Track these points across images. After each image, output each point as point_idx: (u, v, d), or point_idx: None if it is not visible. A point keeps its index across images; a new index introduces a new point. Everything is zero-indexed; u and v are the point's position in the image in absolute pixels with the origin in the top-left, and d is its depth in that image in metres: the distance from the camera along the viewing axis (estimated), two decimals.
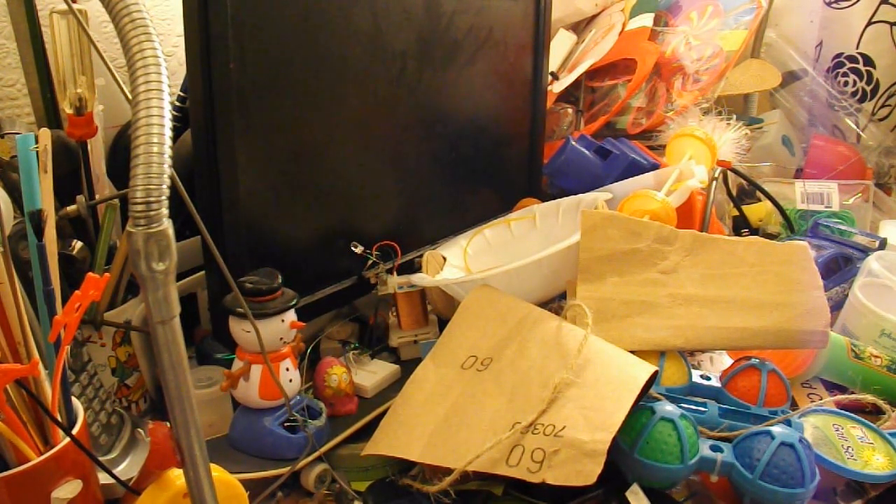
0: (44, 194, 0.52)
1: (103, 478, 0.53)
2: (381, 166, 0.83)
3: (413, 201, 0.88)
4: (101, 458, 0.52)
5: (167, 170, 0.35)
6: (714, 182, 0.94)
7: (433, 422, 0.61)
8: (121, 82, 0.56)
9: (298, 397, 0.66)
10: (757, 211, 1.11)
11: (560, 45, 1.26)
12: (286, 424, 0.64)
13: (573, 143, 1.00)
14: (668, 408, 0.58)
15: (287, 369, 0.65)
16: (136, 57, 0.35)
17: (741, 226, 1.08)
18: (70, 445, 0.48)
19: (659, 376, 0.67)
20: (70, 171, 0.70)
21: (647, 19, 1.22)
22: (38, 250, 0.50)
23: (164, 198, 0.35)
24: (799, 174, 1.25)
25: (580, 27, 1.33)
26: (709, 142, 0.95)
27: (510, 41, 0.97)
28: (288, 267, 0.66)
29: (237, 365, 0.64)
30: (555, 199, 0.92)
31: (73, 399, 0.52)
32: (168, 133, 0.35)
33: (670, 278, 0.71)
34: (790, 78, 1.33)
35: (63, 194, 0.64)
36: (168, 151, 0.35)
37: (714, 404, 0.66)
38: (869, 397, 0.72)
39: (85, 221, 0.69)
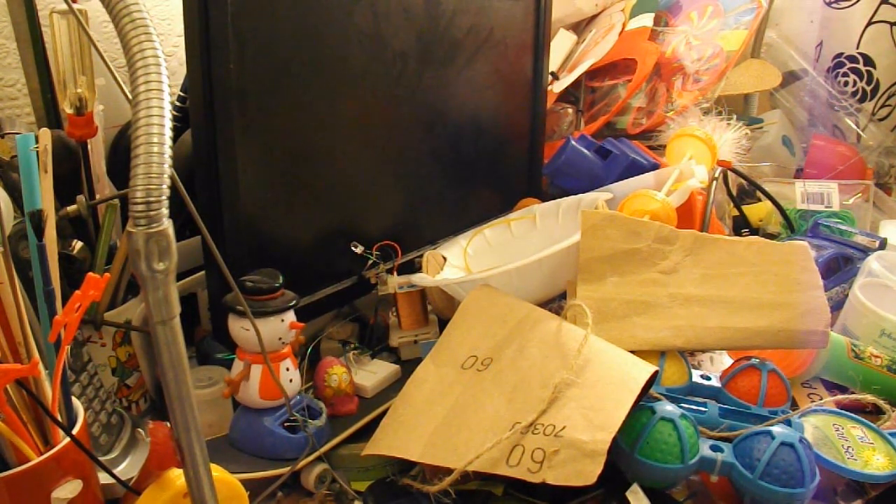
0: (44, 194, 0.52)
1: (103, 478, 0.53)
2: (382, 166, 0.83)
3: (413, 201, 0.88)
4: (101, 458, 0.52)
5: (167, 170, 0.34)
6: (714, 182, 0.94)
7: (433, 422, 0.61)
8: (121, 82, 0.56)
9: (298, 397, 0.66)
10: (757, 211, 1.11)
11: (560, 45, 1.26)
12: (286, 424, 0.64)
13: (573, 143, 1.00)
14: (668, 408, 0.58)
15: (287, 369, 0.65)
16: (136, 57, 0.35)
17: (741, 226, 1.08)
18: (70, 445, 0.48)
19: (659, 376, 0.67)
20: (70, 171, 0.70)
21: (647, 19, 1.22)
22: (38, 250, 0.50)
23: (164, 198, 0.35)
24: (799, 174, 1.25)
25: (580, 27, 1.33)
26: (709, 142, 0.95)
27: (510, 41, 0.97)
28: (288, 267, 0.66)
29: (237, 366, 0.64)
30: (555, 199, 0.92)
31: (73, 399, 0.52)
32: (168, 133, 0.35)
33: (670, 278, 0.71)
34: (790, 78, 1.33)
35: (63, 194, 0.64)
36: (168, 151, 0.35)
37: (714, 404, 0.66)
38: (869, 397, 0.72)
39: (85, 221, 0.69)
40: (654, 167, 0.98)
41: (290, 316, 0.64)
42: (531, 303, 0.69)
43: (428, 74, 0.85)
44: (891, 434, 0.66)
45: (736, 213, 1.07)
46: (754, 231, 1.08)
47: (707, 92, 1.12)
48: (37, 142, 0.52)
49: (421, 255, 0.85)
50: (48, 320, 0.51)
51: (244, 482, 0.54)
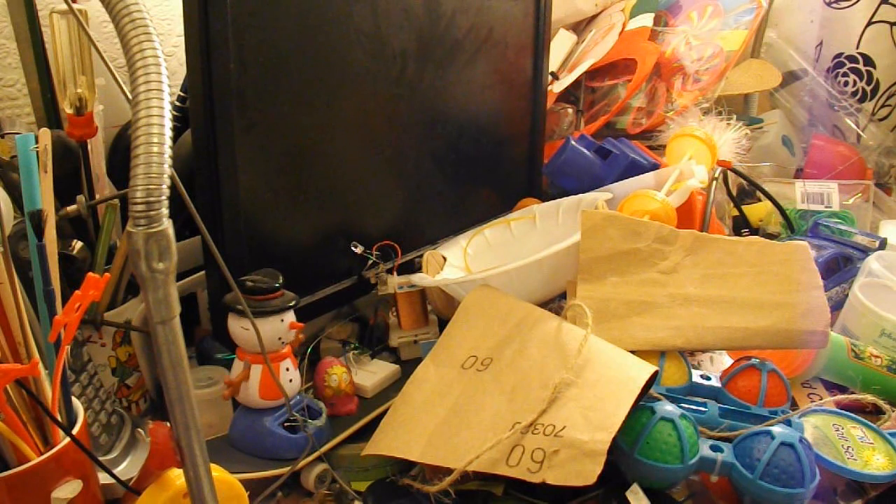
0: (44, 194, 0.52)
1: (103, 478, 0.53)
2: (381, 166, 0.83)
3: (413, 201, 0.88)
4: (101, 458, 0.52)
5: (167, 170, 0.35)
6: (714, 182, 0.94)
7: (433, 422, 0.61)
8: (121, 82, 0.56)
9: (298, 397, 0.66)
10: (757, 211, 1.11)
11: (560, 45, 1.26)
12: (286, 424, 0.64)
13: (573, 143, 1.00)
14: (668, 408, 0.58)
15: (287, 369, 0.65)
16: (136, 57, 0.35)
17: (741, 226, 1.08)
18: (70, 445, 0.48)
19: (659, 376, 0.67)
20: (70, 171, 0.70)
21: (647, 19, 1.22)
22: (38, 250, 0.50)
23: (164, 198, 0.35)
24: (799, 174, 1.25)
25: (580, 27, 1.33)
26: (709, 142, 0.94)
27: (510, 41, 0.97)
28: (288, 267, 0.66)
29: (237, 365, 0.64)
30: (555, 199, 0.92)
31: (73, 399, 0.52)
32: (168, 133, 0.35)
33: (670, 278, 0.71)
34: (790, 78, 1.33)
35: (63, 194, 0.64)
36: (168, 151, 0.35)
37: (714, 404, 0.66)
38: (869, 397, 0.72)
39: (85, 221, 0.69)
40: (654, 167, 0.98)
41: (290, 316, 0.64)
42: (531, 303, 0.69)
43: (428, 74, 0.85)
44: (891, 434, 0.66)
45: (736, 213, 1.07)
46: (754, 231, 1.08)
47: (707, 92, 1.12)
48: (37, 142, 0.52)
49: (421, 255, 0.85)
50: (48, 320, 0.51)
51: (244, 482, 0.54)
